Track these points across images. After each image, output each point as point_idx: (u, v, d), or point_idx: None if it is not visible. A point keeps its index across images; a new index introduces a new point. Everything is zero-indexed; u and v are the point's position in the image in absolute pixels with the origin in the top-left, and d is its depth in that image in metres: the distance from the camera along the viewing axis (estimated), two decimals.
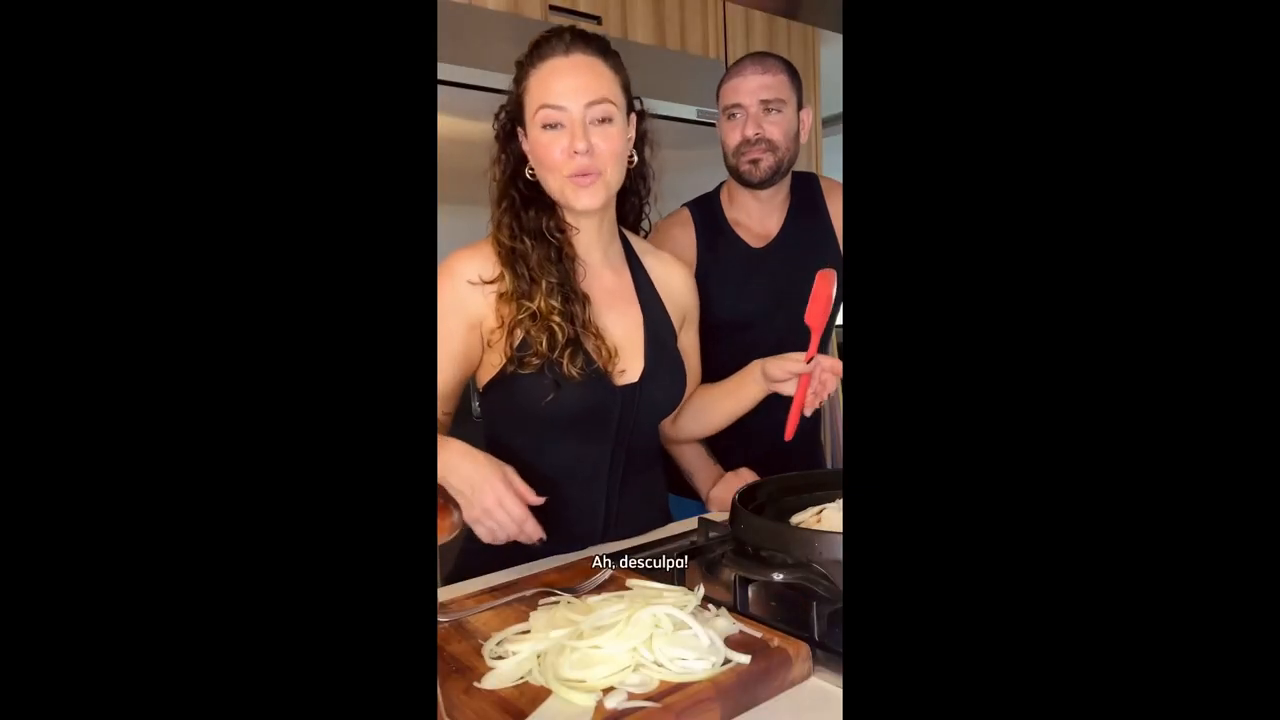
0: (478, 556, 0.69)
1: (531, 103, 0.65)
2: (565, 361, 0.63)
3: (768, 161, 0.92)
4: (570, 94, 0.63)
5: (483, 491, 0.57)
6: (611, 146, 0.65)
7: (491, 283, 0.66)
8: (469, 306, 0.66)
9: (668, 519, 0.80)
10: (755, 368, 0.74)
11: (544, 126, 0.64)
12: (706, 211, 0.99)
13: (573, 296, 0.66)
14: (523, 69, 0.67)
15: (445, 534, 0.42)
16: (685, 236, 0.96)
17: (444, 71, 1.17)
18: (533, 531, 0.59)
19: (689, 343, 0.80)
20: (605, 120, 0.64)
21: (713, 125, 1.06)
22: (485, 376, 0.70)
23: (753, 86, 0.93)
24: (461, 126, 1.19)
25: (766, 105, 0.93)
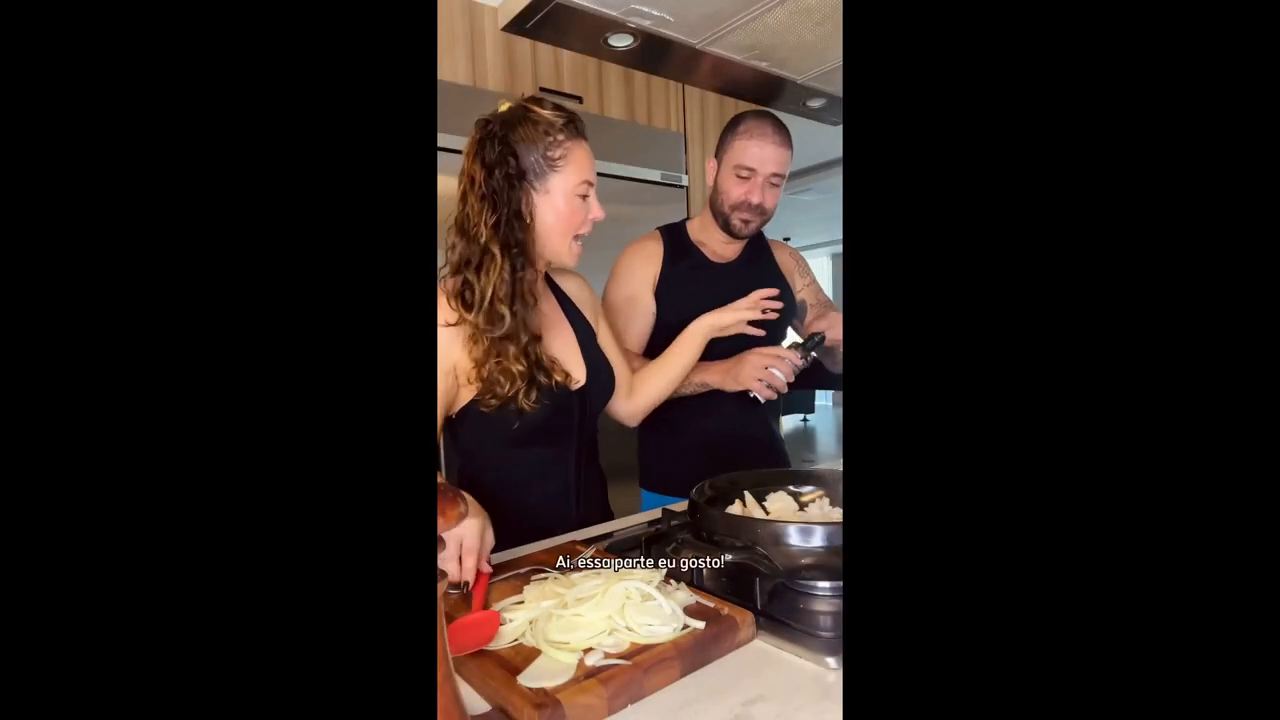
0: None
1: (573, 174, 0.71)
2: (520, 398, 0.68)
3: (756, 224, 0.98)
4: (591, 174, 0.73)
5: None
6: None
7: (456, 325, 0.68)
8: (442, 355, 0.68)
9: (607, 496, 0.86)
10: (691, 332, 0.84)
11: (580, 196, 0.72)
12: (675, 232, 1.06)
13: (531, 341, 0.71)
14: (553, 132, 0.70)
15: (454, 522, 0.46)
16: (655, 248, 1.03)
17: (449, 141, 1.27)
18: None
19: (605, 338, 0.86)
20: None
21: (676, 186, 1.16)
22: (455, 407, 0.73)
23: (770, 156, 0.93)
24: None
25: (773, 177, 0.94)
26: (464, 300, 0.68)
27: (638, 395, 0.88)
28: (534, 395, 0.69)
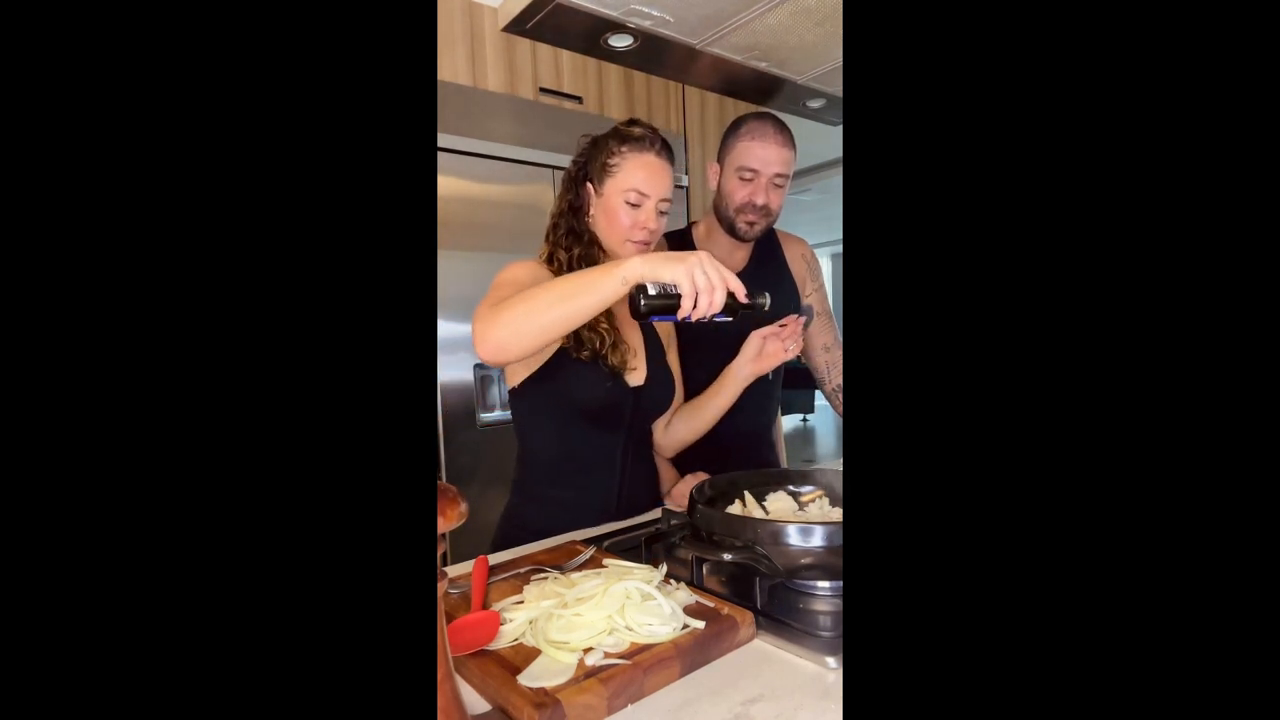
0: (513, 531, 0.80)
1: (623, 179, 0.80)
2: (609, 354, 0.80)
3: (762, 226, 0.98)
4: (654, 188, 0.80)
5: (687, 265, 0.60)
6: (661, 231, 0.84)
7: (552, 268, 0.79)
8: (537, 274, 0.77)
9: (660, 501, 0.90)
10: (731, 378, 0.89)
11: (628, 203, 0.80)
12: (681, 241, 1.06)
13: (610, 310, 0.80)
14: (614, 144, 0.81)
15: (455, 521, 0.47)
16: None
17: (450, 141, 1.28)
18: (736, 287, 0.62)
19: (673, 360, 0.93)
20: (663, 214, 0.82)
21: (676, 186, 1.17)
22: (519, 377, 0.80)
23: (772, 157, 0.92)
24: (465, 186, 1.29)
25: (777, 177, 0.94)
26: (550, 260, 0.82)
27: (671, 432, 0.93)
28: (618, 356, 0.79)
